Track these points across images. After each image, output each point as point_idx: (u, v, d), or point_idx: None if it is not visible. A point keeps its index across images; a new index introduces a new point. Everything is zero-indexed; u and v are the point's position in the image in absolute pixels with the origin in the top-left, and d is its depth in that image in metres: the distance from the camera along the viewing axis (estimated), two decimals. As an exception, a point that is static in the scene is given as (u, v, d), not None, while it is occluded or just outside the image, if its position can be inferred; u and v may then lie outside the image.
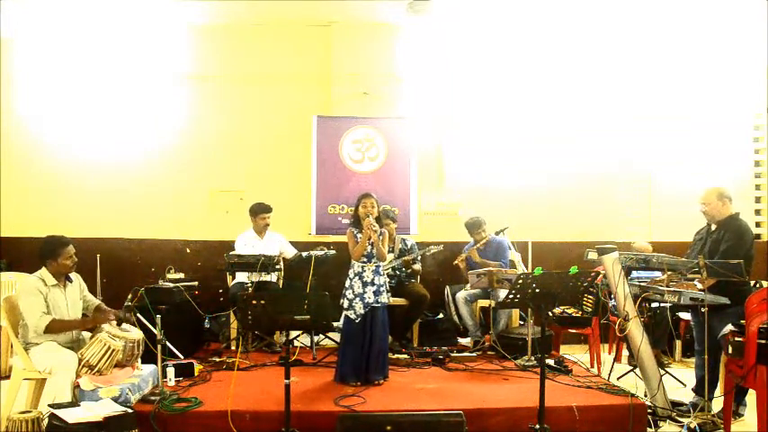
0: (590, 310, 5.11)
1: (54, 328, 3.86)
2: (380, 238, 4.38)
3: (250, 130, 6.63)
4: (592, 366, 5.16)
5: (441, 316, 6.04)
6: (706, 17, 6.18)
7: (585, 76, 6.78)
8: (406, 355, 5.19)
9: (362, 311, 4.34)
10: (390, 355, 4.82)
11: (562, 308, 5.40)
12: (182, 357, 4.75)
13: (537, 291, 3.46)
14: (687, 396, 4.42)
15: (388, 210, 5.72)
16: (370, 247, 4.40)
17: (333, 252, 5.70)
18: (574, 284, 3.53)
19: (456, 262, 5.83)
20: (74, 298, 4.10)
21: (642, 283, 4.39)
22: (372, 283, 4.38)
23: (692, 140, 6.82)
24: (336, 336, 5.09)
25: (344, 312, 4.40)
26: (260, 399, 3.91)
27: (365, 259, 4.42)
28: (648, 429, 3.83)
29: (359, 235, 4.42)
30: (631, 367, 4.66)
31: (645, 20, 6.26)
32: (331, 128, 6.56)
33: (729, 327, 3.72)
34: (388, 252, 5.64)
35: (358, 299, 4.36)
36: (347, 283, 4.45)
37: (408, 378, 4.57)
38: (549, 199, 6.71)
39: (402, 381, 4.48)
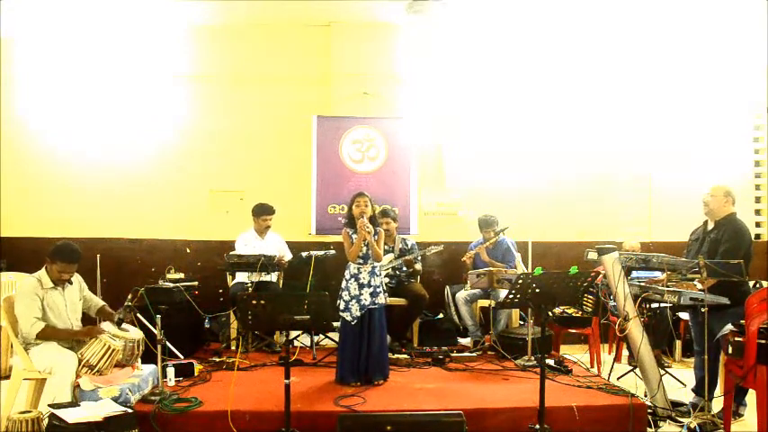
0: (590, 310, 5.10)
1: (47, 334, 3.84)
2: (375, 238, 4.36)
3: (250, 131, 6.64)
4: (592, 366, 5.16)
5: (441, 316, 6.04)
6: (706, 17, 6.18)
7: (586, 76, 6.78)
8: (406, 355, 5.19)
9: (359, 314, 4.32)
10: (390, 355, 4.82)
11: (562, 308, 5.41)
12: (182, 357, 4.75)
13: (537, 291, 3.46)
14: (687, 396, 4.42)
15: (388, 209, 5.72)
16: (365, 248, 4.38)
17: (332, 252, 5.70)
18: (574, 284, 3.53)
19: (464, 258, 5.82)
20: (73, 300, 4.10)
21: (642, 283, 4.39)
22: (369, 285, 4.37)
23: (692, 141, 6.82)
24: (336, 336, 5.08)
25: (341, 314, 4.38)
26: (260, 399, 3.91)
27: (361, 260, 4.40)
28: (648, 429, 3.83)
29: (354, 235, 4.40)
30: (631, 367, 4.66)
31: (645, 20, 6.26)
32: (331, 128, 6.56)
33: (729, 326, 3.72)
34: (389, 252, 5.64)
35: (354, 301, 4.34)
36: (343, 285, 4.43)
37: (408, 378, 4.57)
38: (549, 199, 6.71)
39: (402, 381, 4.48)
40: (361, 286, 4.36)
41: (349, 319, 4.34)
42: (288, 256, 5.87)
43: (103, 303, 4.31)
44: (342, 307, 4.38)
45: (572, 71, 6.76)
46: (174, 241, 6.56)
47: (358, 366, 4.31)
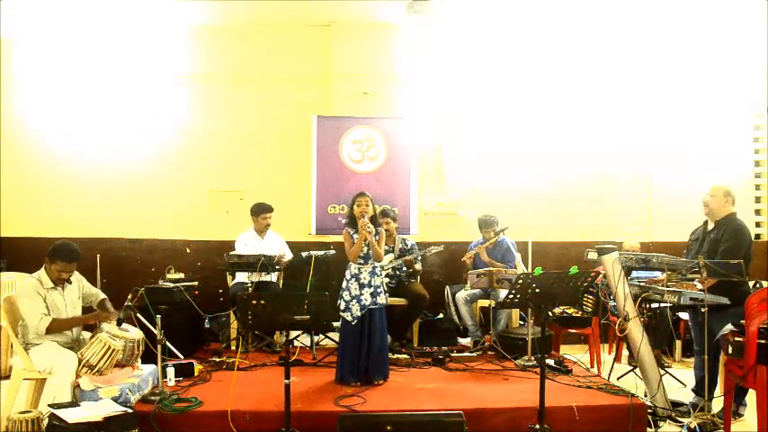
0: (590, 310, 5.11)
1: (55, 328, 3.86)
2: (376, 238, 4.37)
3: (250, 131, 6.63)
4: (592, 366, 5.16)
5: (441, 316, 6.04)
6: (706, 17, 6.18)
7: (586, 75, 6.78)
8: (406, 355, 5.19)
9: (359, 314, 4.32)
10: (390, 355, 4.82)
11: (562, 308, 5.41)
12: (182, 357, 4.76)
13: (537, 291, 3.46)
14: (687, 396, 4.42)
15: (388, 209, 5.72)
16: (366, 248, 4.38)
17: (333, 252, 5.70)
18: (574, 284, 3.53)
19: (464, 258, 5.82)
20: (72, 299, 4.11)
21: (642, 283, 4.39)
22: (369, 285, 4.37)
23: (692, 141, 6.82)
24: (336, 336, 5.09)
25: (341, 314, 4.39)
26: (260, 399, 3.91)
27: (361, 260, 4.40)
28: (648, 429, 3.84)
29: (355, 235, 4.40)
30: (631, 367, 4.66)
31: (645, 20, 6.26)
32: (331, 128, 6.56)
33: (729, 327, 3.72)
34: (389, 252, 5.64)
35: (354, 301, 4.34)
36: (344, 285, 4.44)
37: (408, 378, 4.57)
38: (549, 199, 6.71)
39: (402, 381, 4.48)
40: (361, 286, 4.36)
41: (349, 318, 4.34)
42: (288, 255, 5.87)
43: (104, 297, 4.31)
44: (342, 307, 4.38)
45: (572, 71, 6.76)
46: (174, 241, 6.55)
47: (358, 366, 4.31)
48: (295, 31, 6.66)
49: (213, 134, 6.63)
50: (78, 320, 4.05)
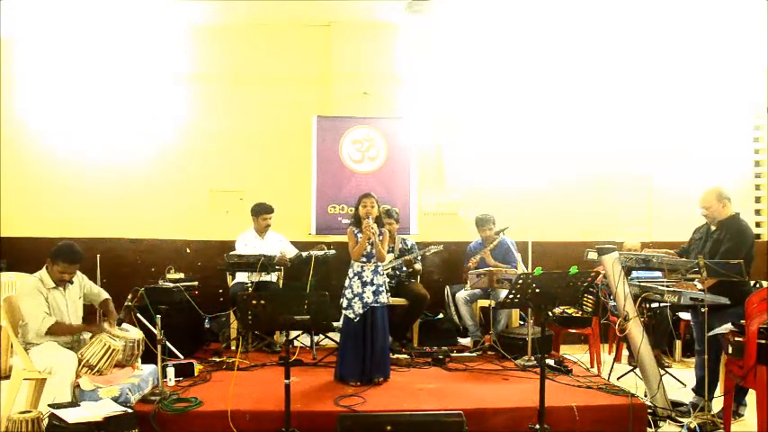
0: (590, 310, 5.11)
1: (55, 330, 3.86)
2: (380, 238, 4.40)
3: (250, 130, 6.64)
4: (592, 366, 5.16)
5: (441, 316, 6.04)
6: (706, 17, 6.18)
7: (585, 76, 6.78)
8: (406, 355, 5.19)
9: (361, 311, 4.34)
10: (390, 355, 4.82)
11: (562, 308, 5.41)
12: (182, 357, 4.76)
13: (537, 291, 3.46)
14: (687, 396, 4.42)
15: (390, 209, 5.72)
16: (369, 247, 4.41)
17: (332, 252, 5.70)
18: (574, 284, 3.53)
19: (469, 264, 5.79)
20: (74, 299, 4.11)
21: (642, 283, 4.39)
22: (372, 283, 4.39)
23: (692, 141, 6.82)
24: (336, 336, 5.09)
25: (343, 312, 4.41)
26: (260, 399, 3.91)
27: (365, 259, 4.42)
28: (648, 429, 3.83)
29: (359, 235, 4.42)
30: (631, 367, 4.66)
31: (645, 20, 6.26)
32: (331, 128, 6.56)
33: (728, 326, 3.72)
34: (389, 252, 5.64)
35: (357, 298, 4.36)
36: (346, 283, 4.46)
37: (408, 378, 4.57)
38: (549, 199, 6.71)
39: (402, 381, 4.48)
40: (364, 284, 4.38)
41: (352, 316, 4.35)
42: (292, 252, 5.85)
43: (107, 297, 4.30)
44: (345, 304, 4.40)
45: (572, 71, 6.76)
46: (174, 241, 6.55)
47: (362, 365, 4.31)
48: (295, 31, 6.66)
49: (213, 134, 6.63)
50: (80, 329, 4.03)
